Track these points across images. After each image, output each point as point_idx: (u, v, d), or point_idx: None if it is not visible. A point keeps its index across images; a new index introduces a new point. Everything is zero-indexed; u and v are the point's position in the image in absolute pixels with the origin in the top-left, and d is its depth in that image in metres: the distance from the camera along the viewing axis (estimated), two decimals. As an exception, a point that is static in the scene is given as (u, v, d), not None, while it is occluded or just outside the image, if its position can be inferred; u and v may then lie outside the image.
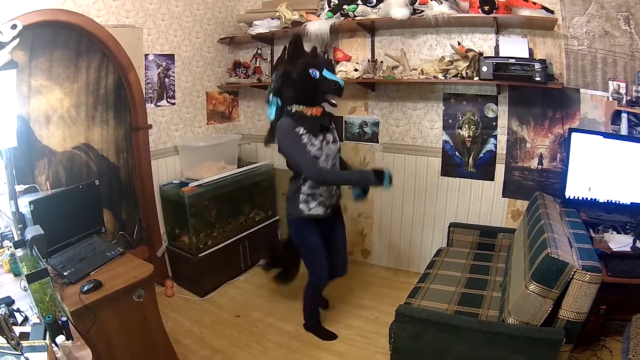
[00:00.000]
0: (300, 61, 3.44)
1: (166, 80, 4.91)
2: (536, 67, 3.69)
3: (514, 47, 4.05)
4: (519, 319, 2.73)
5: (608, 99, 3.86)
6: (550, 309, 2.65)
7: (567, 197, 3.90)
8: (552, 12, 3.82)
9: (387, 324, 3.15)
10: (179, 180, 5.04)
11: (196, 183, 4.78)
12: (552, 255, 2.63)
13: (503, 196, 4.52)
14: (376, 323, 4.22)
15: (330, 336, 4.08)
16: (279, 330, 4.18)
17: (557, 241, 2.87)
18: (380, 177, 3.37)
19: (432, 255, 4.33)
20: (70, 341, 2.19)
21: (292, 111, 3.47)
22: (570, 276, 2.57)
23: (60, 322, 2.20)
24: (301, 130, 3.41)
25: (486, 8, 3.84)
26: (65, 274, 2.99)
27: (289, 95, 3.48)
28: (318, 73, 3.39)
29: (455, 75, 4.17)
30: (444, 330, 2.86)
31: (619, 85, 3.78)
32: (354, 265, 5.27)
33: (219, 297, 4.83)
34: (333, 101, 3.51)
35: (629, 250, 3.43)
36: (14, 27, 2.64)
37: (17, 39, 2.70)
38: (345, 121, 5.22)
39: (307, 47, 3.66)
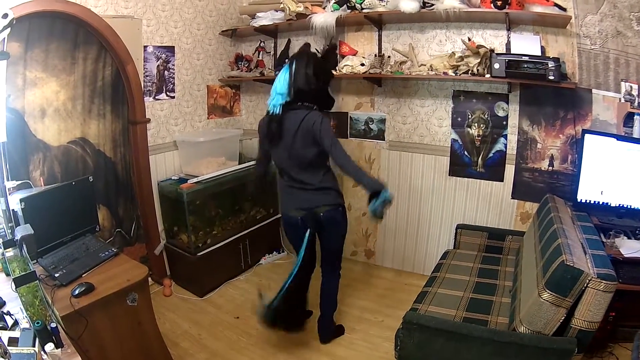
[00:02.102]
0: (329, 71, 3.58)
1: (166, 73, 4.81)
2: (550, 66, 3.59)
3: (525, 44, 3.97)
4: (531, 328, 2.66)
5: (620, 101, 3.79)
6: (563, 318, 2.58)
7: (578, 200, 3.83)
8: (564, 9, 3.74)
9: (391, 327, 3.12)
10: (177, 176, 4.97)
11: (195, 179, 4.71)
12: (568, 263, 2.55)
13: (512, 198, 4.43)
14: (380, 327, 4.15)
15: (341, 329, 4.12)
16: (279, 333, 4.04)
17: (571, 247, 2.79)
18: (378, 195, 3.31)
19: (438, 257, 4.27)
20: (60, 349, 2.09)
21: (320, 111, 3.51)
22: (585, 284, 2.49)
23: (49, 328, 2.10)
24: None
25: (499, 3, 3.76)
26: (56, 275, 2.90)
27: (311, 95, 3.45)
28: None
29: (466, 72, 4.07)
30: (453, 339, 2.79)
31: (631, 87, 3.73)
32: (358, 265, 5.26)
33: (218, 297, 4.76)
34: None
35: (640, 256, 3.33)
36: (5, 16, 2.52)
37: (9, 29, 2.58)
38: (350, 117, 5.13)
39: (316, 43, 3.60)
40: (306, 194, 3.56)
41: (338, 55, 3.57)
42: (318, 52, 3.90)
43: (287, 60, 3.95)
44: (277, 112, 3.44)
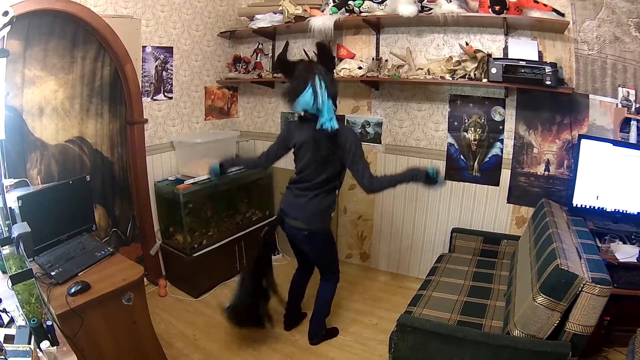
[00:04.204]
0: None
1: (164, 73, 4.81)
2: (547, 71, 3.61)
3: (523, 49, 3.98)
4: (525, 331, 2.67)
5: (617, 106, 3.81)
6: (557, 321, 2.59)
7: (574, 205, 3.84)
8: (562, 15, 3.76)
9: (386, 330, 3.12)
10: (174, 177, 4.97)
11: (192, 180, 4.71)
12: (562, 267, 2.56)
13: (508, 202, 4.44)
14: (375, 329, 4.14)
15: (335, 331, 4.11)
16: (273, 335, 4.08)
17: (566, 252, 2.80)
18: (427, 175, 3.21)
19: (433, 261, 4.29)
20: (56, 347, 2.10)
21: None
22: (580, 289, 2.50)
23: (45, 326, 2.10)
24: None
25: (497, 8, 3.77)
26: (52, 273, 2.90)
27: (333, 103, 3.38)
28: None
29: (463, 76, 4.09)
30: (447, 342, 2.80)
31: (628, 92, 3.75)
32: (353, 268, 5.25)
33: (213, 298, 4.74)
34: None
35: (635, 261, 3.35)
36: (5, 13, 2.52)
37: (9, 27, 2.58)
38: (347, 120, 5.13)
39: (314, 46, 3.56)
40: (301, 200, 3.53)
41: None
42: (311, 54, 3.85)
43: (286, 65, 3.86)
44: (336, 127, 3.29)
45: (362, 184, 3.29)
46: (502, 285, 3.66)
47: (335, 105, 3.38)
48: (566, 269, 2.53)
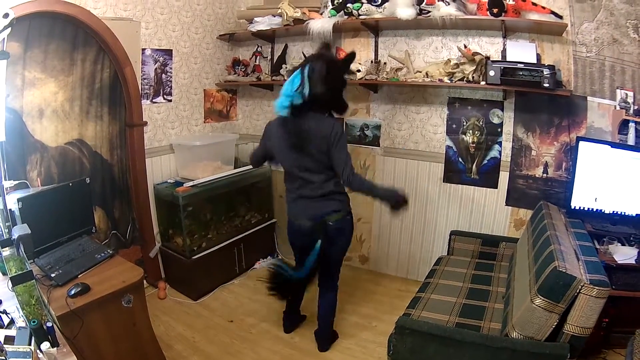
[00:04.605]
0: (343, 77, 3.49)
1: (163, 76, 4.82)
2: (545, 73, 3.62)
3: (521, 51, 3.98)
4: (523, 333, 2.67)
5: (615, 108, 3.82)
6: (555, 323, 2.59)
7: (572, 207, 3.84)
8: (561, 17, 3.78)
9: (385, 333, 3.11)
10: (173, 179, 4.97)
11: (191, 183, 4.71)
12: (560, 269, 2.56)
13: (506, 204, 4.45)
14: (374, 332, 4.14)
15: (336, 334, 4.10)
16: (273, 337, 4.10)
17: (564, 254, 2.81)
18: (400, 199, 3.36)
19: (432, 263, 4.28)
20: (56, 348, 2.10)
21: (333, 116, 3.50)
22: (578, 290, 2.50)
23: (45, 327, 2.11)
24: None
25: (495, 10, 3.78)
26: (52, 275, 2.91)
27: (325, 100, 3.35)
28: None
29: (461, 79, 4.09)
30: (446, 344, 2.80)
31: (626, 94, 3.75)
32: (352, 271, 5.24)
33: (213, 300, 4.76)
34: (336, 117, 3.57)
35: (634, 262, 3.36)
36: (5, 15, 2.53)
37: (9, 29, 2.59)
38: (345, 123, 5.14)
39: (313, 49, 3.59)
40: (315, 202, 3.49)
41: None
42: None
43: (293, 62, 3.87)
44: (284, 114, 3.32)
45: (342, 174, 3.33)
46: (500, 287, 3.66)
47: (327, 107, 3.44)
48: (564, 270, 2.54)
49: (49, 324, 2.14)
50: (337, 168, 3.32)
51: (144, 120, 4.64)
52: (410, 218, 5.01)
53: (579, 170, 3.80)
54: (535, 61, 3.92)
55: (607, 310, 3.02)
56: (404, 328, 2.89)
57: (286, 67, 5.08)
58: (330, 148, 3.29)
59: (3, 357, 1.84)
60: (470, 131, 4.45)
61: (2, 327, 2.16)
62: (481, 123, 4.40)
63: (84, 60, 4.10)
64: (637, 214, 3.69)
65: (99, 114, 4.30)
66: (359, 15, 4.39)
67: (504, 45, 4.11)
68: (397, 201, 3.32)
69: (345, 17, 4.49)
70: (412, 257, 5.11)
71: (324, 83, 3.24)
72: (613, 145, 3.72)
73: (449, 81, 4.15)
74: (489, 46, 4.22)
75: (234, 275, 5.23)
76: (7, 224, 2.93)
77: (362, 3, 4.35)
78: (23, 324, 2.18)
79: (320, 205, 3.49)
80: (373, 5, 4.33)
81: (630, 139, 3.77)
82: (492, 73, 3.81)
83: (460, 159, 4.58)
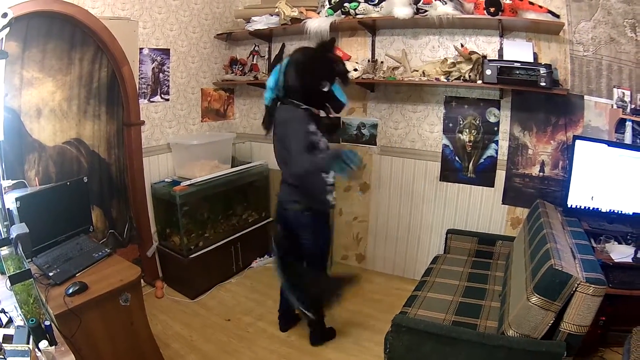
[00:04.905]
0: (317, 70, 3.43)
1: (161, 75, 4.82)
2: (541, 72, 3.63)
3: (518, 50, 3.99)
4: (520, 331, 2.68)
5: (612, 107, 3.83)
6: (552, 321, 2.60)
7: (569, 205, 3.85)
8: (558, 16, 3.78)
9: (381, 331, 3.11)
10: (171, 178, 4.97)
11: (188, 182, 4.70)
12: (556, 267, 2.57)
13: (503, 203, 4.46)
14: (371, 330, 4.14)
15: (333, 332, 4.10)
16: (270, 336, 4.11)
17: (560, 252, 2.81)
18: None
19: (428, 262, 4.30)
20: (54, 347, 2.10)
21: (303, 107, 3.43)
22: (574, 289, 2.51)
23: (43, 326, 2.11)
24: (313, 127, 3.38)
25: (492, 10, 3.79)
26: (50, 274, 2.91)
27: (299, 93, 3.41)
28: (328, 86, 3.42)
29: (458, 78, 4.10)
30: (442, 342, 2.80)
31: (623, 93, 3.76)
32: (348, 269, 5.22)
33: (210, 299, 4.76)
34: (331, 115, 3.59)
35: (631, 261, 3.38)
36: (4, 15, 2.54)
37: (8, 28, 2.60)
38: (342, 122, 5.15)
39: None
40: (284, 187, 3.64)
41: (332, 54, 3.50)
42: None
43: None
44: (268, 103, 3.54)
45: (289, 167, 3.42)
46: (497, 285, 3.67)
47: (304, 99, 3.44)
48: (560, 269, 2.54)
49: (47, 323, 2.14)
50: (289, 156, 3.34)
51: (141, 119, 4.64)
52: (407, 217, 5.02)
53: (575, 169, 3.81)
54: (532, 60, 3.92)
55: (604, 309, 3.01)
56: (401, 326, 2.88)
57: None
58: (283, 138, 3.40)
59: (2, 356, 1.84)
60: (467, 130, 4.46)
61: (1, 326, 2.16)
62: (478, 122, 4.41)
63: (82, 60, 4.10)
64: (634, 213, 3.70)
65: (96, 113, 4.30)
66: (356, 14, 4.40)
67: (501, 44, 4.12)
68: (344, 162, 3.18)
69: (343, 16, 4.50)
70: (409, 256, 5.12)
71: (298, 75, 3.34)
72: (610, 144, 3.73)
73: (446, 80, 4.15)
74: (485, 45, 4.22)
75: (231, 274, 5.23)
76: (5, 223, 2.92)
77: (359, 2, 4.36)
78: (21, 323, 2.17)
79: (287, 191, 3.60)
80: (370, 4, 4.33)
81: (627, 138, 3.78)
82: (488, 72, 3.82)
83: (456, 158, 4.58)
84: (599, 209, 3.80)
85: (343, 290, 3.74)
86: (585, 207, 3.83)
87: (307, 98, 3.43)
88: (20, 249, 2.62)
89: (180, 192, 4.57)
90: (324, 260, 3.84)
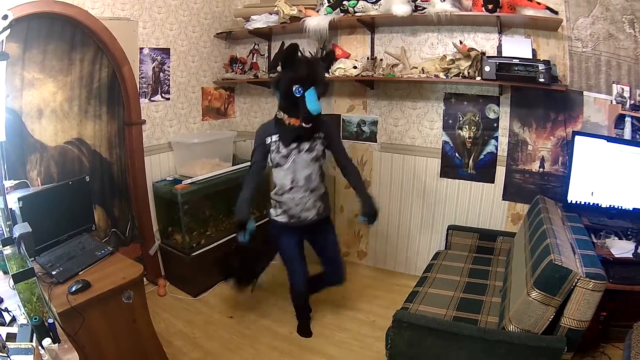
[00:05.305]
0: (289, 75, 3.46)
1: (161, 74, 4.83)
2: (540, 68, 3.63)
3: (517, 47, 3.99)
4: (520, 326, 2.68)
5: (611, 103, 3.83)
6: (552, 316, 2.60)
7: (569, 201, 3.86)
8: (556, 12, 3.78)
9: (383, 327, 3.12)
10: (172, 177, 4.98)
11: (190, 180, 4.72)
12: (556, 262, 2.58)
13: (503, 199, 4.46)
14: (372, 326, 4.16)
15: (305, 332, 4.13)
16: (272, 333, 4.12)
17: (560, 247, 2.82)
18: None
19: (429, 258, 4.30)
20: (57, 344, 2.12)
21: (277, 117, 3.58)
22: (574, 284, 2.52)
23: (47, 324, 2.13)
24: (272, 138, 3.59)
25: (490, 6, 3.78)
26: (53, 273, 2.92)
27: (278, 99, 3.58)
28: (302, 91, 3.40)
29: (457, 75, 4.11)
30: (443, 338, 2.81)
31: (622, 89, 3.76)
32: (350, 266, 5.20)
33: (212, 297, 4.77)
34: (304, 124, 3.49)
35: (631, 256, 3.38)
36: (5, 17, 2.55)
37: (8, 30, 2.61)
38: (342, 119, 5.15)
39: (310, 46, 3.59)
40: None
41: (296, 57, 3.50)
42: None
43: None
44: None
45: None
46: (498, 281, 3.68)
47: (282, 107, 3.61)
48: (560, 264, 2.55)
49: (50, 321, 2.15)
50: None
51: (142, 118, 4.65)
52: (408, 213, 5.03)
53: (575, 165, 3.82)
54: (530, 56, 3.92)
55: (605, 304, 3.05)
56: (402, 322, 2.89)
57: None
58: None
59: (5, 354, 1.86)
60: (467, 126, 4.47)
61: (4, 325, 2.17)
62: (477, 118, 4.41)
63: (82, 60, 4.11)
64: (634, 208, 3.71)
65: (97, 113, 4.31)
66: (355, 12, 4.41)
67: (500, 40, 4.11)
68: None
69: (342, 14, 4.51)
70: (410, 252, 5.13)
71: (275, 85, 3.60)
72: (609, 139, 3.73)
73: (445, 77, 4.16)
74: (484, 42, 4.22)
75: (233, 272, 5.21)
76: (8, 223, 2.93)
77: (358, 0, 4.36)
78: (25, 321, 2.19)
79: None
80: (369, 2, 4.34)
81: (627, 134, 3.78)
82: (487, 68, 3.83)
83: (456, 154, 4.59)
84: (599, 205, 3.80)
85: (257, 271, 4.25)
86: (585, 202, 3.83)
87: (284, 105, 3.53)
88: (23, 248, 2.62)
89: (182, 190, 4.58)
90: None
